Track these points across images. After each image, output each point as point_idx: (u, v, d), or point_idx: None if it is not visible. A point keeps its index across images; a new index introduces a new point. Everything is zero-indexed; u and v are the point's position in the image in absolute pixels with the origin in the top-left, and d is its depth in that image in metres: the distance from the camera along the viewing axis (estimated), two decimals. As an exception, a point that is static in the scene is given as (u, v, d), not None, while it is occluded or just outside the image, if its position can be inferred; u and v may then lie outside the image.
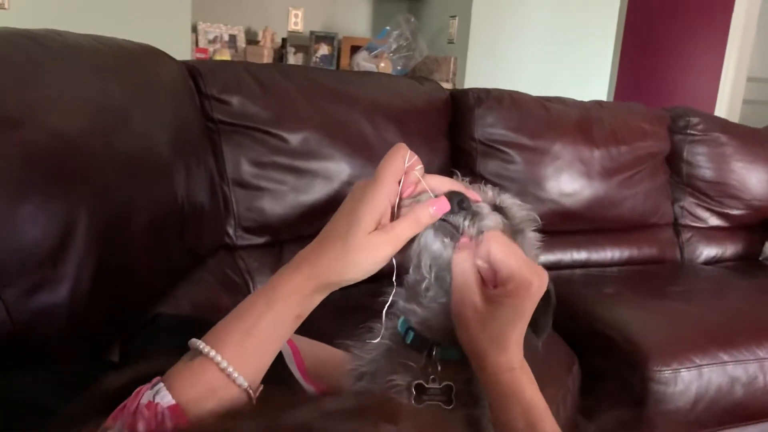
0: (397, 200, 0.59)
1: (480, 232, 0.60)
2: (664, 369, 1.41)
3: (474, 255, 0.59)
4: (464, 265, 0.59)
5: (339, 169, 1.64)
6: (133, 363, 0.74)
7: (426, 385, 0.63)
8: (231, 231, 1.56)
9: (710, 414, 1.47)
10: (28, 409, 0.65)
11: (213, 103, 1.51)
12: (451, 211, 0.59)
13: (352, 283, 0.57)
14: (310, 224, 1.65)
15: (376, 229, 0.56)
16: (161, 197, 1.14)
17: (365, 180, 0.60)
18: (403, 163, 0.59)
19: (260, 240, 1.61)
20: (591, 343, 1.54)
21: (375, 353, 0.67)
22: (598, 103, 2.25)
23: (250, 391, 0.52)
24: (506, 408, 0.59)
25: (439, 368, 0.63)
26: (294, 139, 1.59)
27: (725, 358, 1.47)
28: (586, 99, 2.25)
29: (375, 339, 0.67)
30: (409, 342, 0.65)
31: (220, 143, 1.52)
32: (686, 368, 1.42)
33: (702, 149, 2.30)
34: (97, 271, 0.87)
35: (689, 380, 1.42)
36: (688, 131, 2.30)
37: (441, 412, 0.63)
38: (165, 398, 0.49)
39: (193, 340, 0.53)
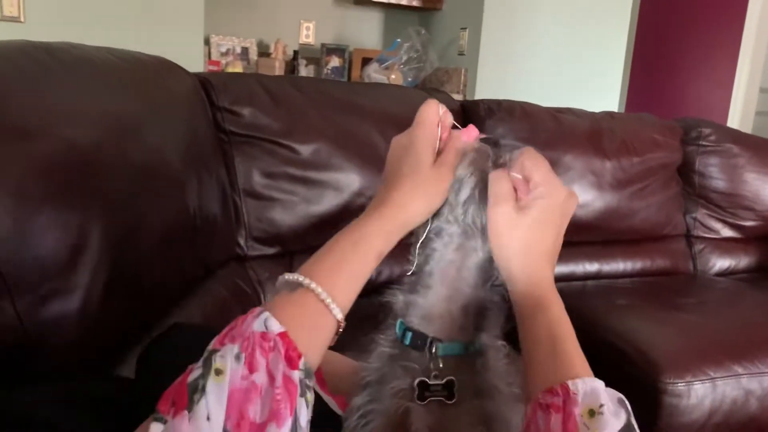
0: (438, 143, 0.65)
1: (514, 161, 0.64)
2: (677, 381, 1.39)
3: (507, 173, 0.63)
4: (500, 179, 0.63)
5: (349, 180, 1.65)
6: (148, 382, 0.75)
7: (429, 382, 0.63)
8: (242, 241, 1.56)
9: (725, 427, 1.45)
10: (41, 427, 0.65)
11: (225, 115, 1.52)
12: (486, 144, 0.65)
13: (424, 218, 0.64)
14: (321, 235, 1.64)
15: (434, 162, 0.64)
16: (173, 208, 1.15)
17: (401, 134, 0.68)
18: (437, 112, 0.66)
19: (271, 250, 1.61)
20: (603, 355, 1.52)
21: (378, 362, 0.67)
22: (610, 114, 2.24)
23: (341, 323, 0.56)
24: (533, 315, 0.60)
25: (441, 364, 0.64)
26: (305, 150, 1.60)
27: (739, 370, 1.46)
28: (597, 110, 2.25)
29: (377, 348, 0.67)
30: (408, 342, 0.65)
31: (232, 154, 1.53)
32: (700, 381, 1.41)
33: (714, 160, 2.28)
34: (110, 282, 0.88)
35: (703, 393, 1.41)
36: (700, 142, 2.29)
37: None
38: (274, 326, 0.51)
39: (288, 274, 0.57)
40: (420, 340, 0.65)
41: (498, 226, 0.62)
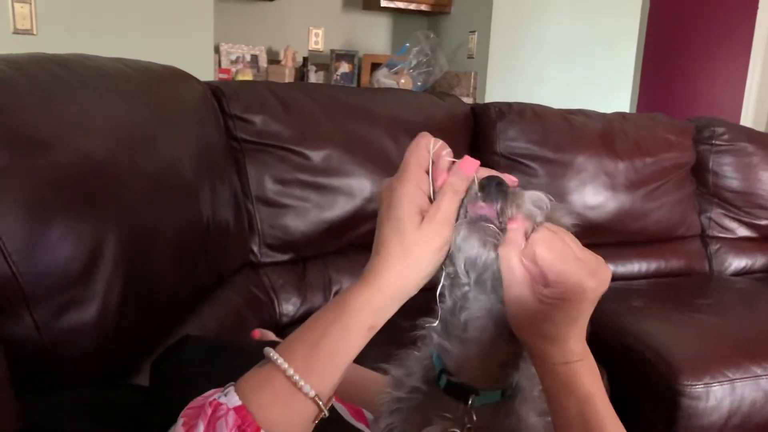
0: (431, 190, 0.57)
1: (527, 216, 0.57)
2: (695, 383, 1.38)
3: (519, 251, 0.55)
4: (510, 263, 0.55)
5: (361, 185, 1.65)
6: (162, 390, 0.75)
7: None
8: (255, 248, 1.57)
9: (744, 429, 1.43)
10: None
11: (236, 123, 1.53)
12: (487, 194, 0.56)
13: (419, 286, 0.57)
14: (334, 241, 1.66)
15: (423, 220, 0.55)
16: (187, 217, 1.15)
17: (389, 179, 0.58)
18: (427, 152, 0.57)
19: (284, 257, 1.62)
20: (619, 358, 1.52)
21: (406, 392, 0.64)
22: (621, 115, 2.23)
23: (318, 401, 0.52)
24: (561, 399, 0.56)
25: (475, 418, 0.60)
26: (316, 156, 1.60)
27: (758, 371, 1.44)
28: (608, 111, 2.24)
29: (407, 375, 0.64)
30: (443, 387, 0.62)
31: (244, 162, 1.54)
32: (718, 382, 1.39)
33: (728, 159, 2.27)
34: (125, 290, 0.88)
35: (722, 395, 1.39)
36: (714, 141, 2.27)
37: None
38: (232, 399, 0.50)
39: (267, 348, 0.53)
40: (456, 389, 0.61)
41: (514, 313, 0.57)
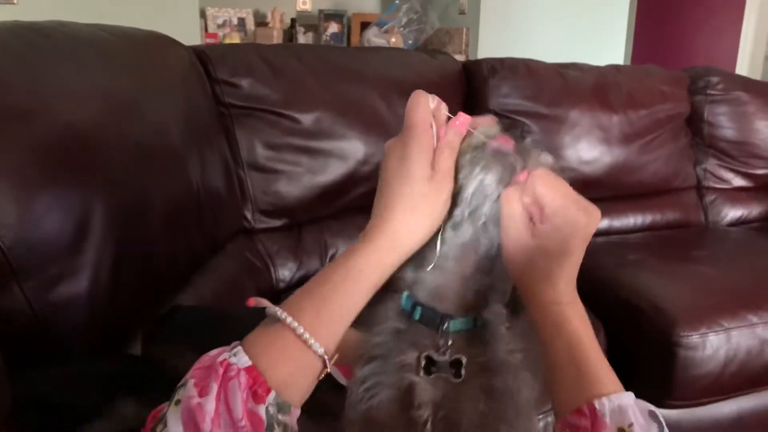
0: (436, 145, 0.58)
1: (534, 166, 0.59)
2: (691, 334, 1.39)
3: (521, 192, 0.57)
4: (512, 202, 0.57)
5: (353, 148, 1.63)
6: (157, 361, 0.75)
7: (435, 358, 0.62)
8: (249, 215, 1.56)
9: (740, 377, 1.45)
10: (54, 407, 0.66)
11: (223, 88, 1.50)
12: (509, 132, 0.59)
13: (424, 240, 0.58)
14: (327, 205, 1.64)
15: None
16: (176, 184, 1.14)
17: (393, 139, 0.60)
18: (428, 110, 0.59)
19: (278, 223, 1.61)
20: (616, 311, 1.52)
21: (384, 335, 0.65)
22: (615, 68, 2.20)
23: (326, 357, 0.53)
24: (551, 340, 0.57)
25: (450, 341, 0.62)
26: (306, 119, 1.58)
27: (754, 320, 1.45)
28: (602, 64, 2.21)
29: (382, 321, 0.65)
30: (418, 317, 0.64)
31: (233, 127, 1.52)
32: (714, 332, 1.40)
33: (723, 109, 2.24)
34: (116, 261, 0.88)
35: (717, 344, 1.40)
36: (708, 91, 2.25)
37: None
38: (242, 360, 0.50)
39: (271, 307, 0.53)
40: (431, 316, 0.63)
41: (511, 252, 0.58)
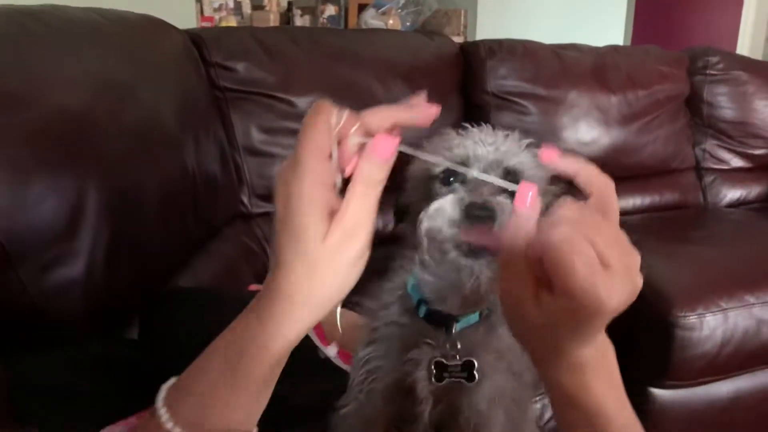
0: (341, 180, 0.44)
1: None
2: (689, 314, 1.39)
3: (527, 238, 0.43)
4: (514, 251, 0.43)
5: (350, 131, 1.62)
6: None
7: (446, 363, 0.60)
8: (245, 199, 1.55)
9: (737, 357, 1.45)
10: (51, 391, 0.66)
11: (218, 71, 1.49)
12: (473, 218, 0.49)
13: (346, 293, 0.45)
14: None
15: (330, 224, 0.42)
16: (171, 169, 1.14)
17: (287, 162, 0.43)
18: (328, 132, 0.43)
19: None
20: (614, 293, 1.52)
21: (387, 325, 0.64)
22: (614, 48, 2.19)
23: None
24: (567, 411, 0.47)
25: (459, 345, 0.60)
26: (302, 102, 1.57)
27: (751, 300, 1.45)
28: (602, 45, 2.19)
29: (383, 308, 0.65)
30: (422, 316, 0.62)
31: (229, 111, 1.51)
32: (711, 312, 1.41)
33: (722, 89, 2.23)
34: (112, 246, 0.88)
35: (715, 324, 1.41)
36: (708, 71, 2.23)
37: None
38: None
39: (162, 389, 0.44)
40: (436, 318, 0.61)
41: (508, 311, 0.46)
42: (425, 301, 0.62)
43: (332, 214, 0.42)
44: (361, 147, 0.43)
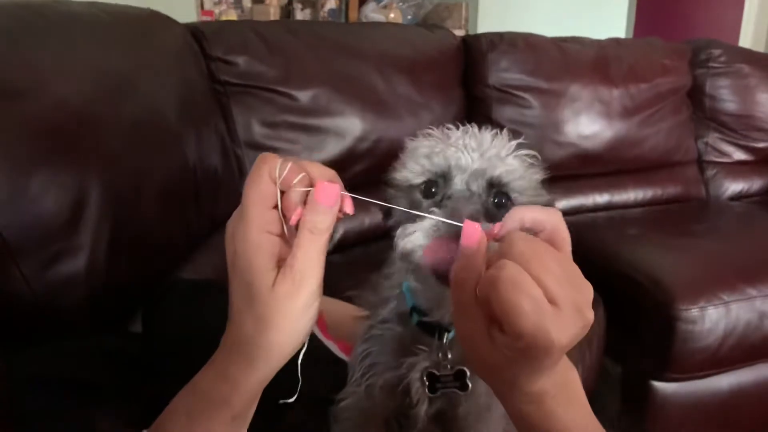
0: (286, 229, 0.45)
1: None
2: (690, 307, 1.39)
3: (475, 281, 0.42)
4: (462, 296, 0.42)
5: (351, 125, 1.62)
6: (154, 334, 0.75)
7: (437, 374, 0.59)
8: (247, 193, 1.55)
9: (739, 350, 1.45)
10: (56, 384, 0.66)
11: (219, 65, 1.49)
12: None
13: (302, 341, 0.45)
14: (326, 182, 1.64)
15: (278, 271, 0.43)
16: (172, 163, 1.13)
17: (235, 213, 0.46)
18: (272, 182, 0.44)
19: (277, 201, 1.60)
20: (616, 286, 1.52)
21: (382, 318, 0.64)
22: (616, 41, 2.18)
23: None
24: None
25: (450, 355, 0.59)
26: (303, 96, 1.57)
27: (753, 293, 1.45)
28: (604, 37, 2.18)
29: (382, 304, 0.64)
30: (415, 323, 0.61)
31: (230, 105, 1.51)
32: (713, 305, 1.41)
33: (725, 82, 2.22)
34: (113, 240, 0.88)
35: (717, 317, 1.41)
36: (710, 64, 2.22)
37: None
38: None
39: None
40: (427, 327, 0.60)
41: (465, 347, 0.45)
42: (418, 309, 0.61)
43: (281, 261, 0.43)
44: (306, 196, 0.44)
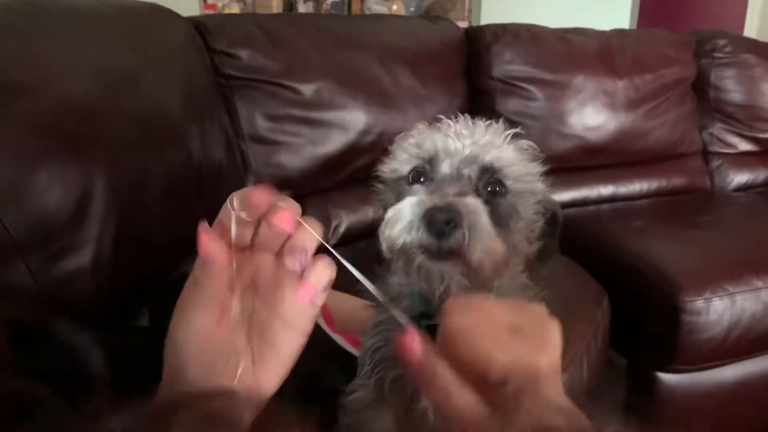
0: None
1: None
2: (695, 299, 1.39)
3: (439, 374, 0.40)
4: (432, 381, 0.40)
5: (354, 118, 1.62)
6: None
7: None
8: (251, 187, 1.55)
9: (744, 342, 1.45)
10: (64, 379, 0.66)
11: (222, 59, 1.48)
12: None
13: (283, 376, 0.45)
14: (330, 176, 1.64)
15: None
16: (176, 157, 1.13)
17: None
18: (227, 221, 0.45)
19: (281, 195, 1.60)
20: (621, 278, 1.52)
21: (389, 316, 0.62)
22: (620, 32, 2.17)
23: None
24: None
25: None
26: (307, 90, 1.57)
27: (759, 284, 1.45)
28: (608, 28, 2.17)
29: (390, 300, 0.63)
30: (423, 327, 0.60)
31: (233, 99, 1.51)
32: (718, 297, 1.40)
33: (730, 72, 2.21)
34: (119, 234, 0.88)
35: (722, 309, 1.40)
36: (715, 54, 2.21)
37: None
38: None
39: None
40: (434, 331, 0.60)
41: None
42: (425, 315, 0.59)
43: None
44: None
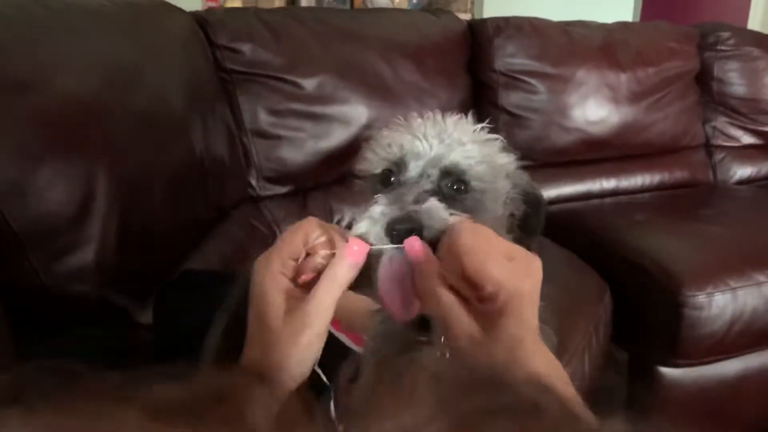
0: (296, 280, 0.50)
1: (436, 236, 0.49)
2: (697, 293, 1.39)
3: (440, 275, 0.47)
4: (433, 293, 0.47)
5: (357, 112, 1.62)
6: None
7: None
8: (254, 182, 1.55)
9: (746, 336, 1.45)
10: (68, 374, 0.67)
11: (225, 53, 1.48)
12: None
13: (304, 376, 0.48)
14: (332, 170, 1.64)
15: (288, 302, 0.48)
16: (179, 152, 1.14)
17: (264, 254, 0.51)
18: (302, 242, 0.50)
19: (284, 189, 1.60)
20: (622, 272, 1.52)
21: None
22: (623, 25, 2.16)
23: None
24: None
25: (448, 355, 0.56)
26: (309, 84, 1.56)
27: (761, 278, 1.45)
28: (611, 21, 2.16)
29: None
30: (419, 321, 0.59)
31: (236, 94, 1.50)
32: (720, 291, 1.40)
33: (733, 65, 2.20)
34: (122, 230, 0.88)
35: (724, 303, 1.40)
36: (719, 47, 2.20)
37: None
38: None
39: None
40: (427, 325, 0.58)
41: (452, 327, 0.48)
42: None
43: (290, 298, 0.48)
44: (321, 267, 0.49)
